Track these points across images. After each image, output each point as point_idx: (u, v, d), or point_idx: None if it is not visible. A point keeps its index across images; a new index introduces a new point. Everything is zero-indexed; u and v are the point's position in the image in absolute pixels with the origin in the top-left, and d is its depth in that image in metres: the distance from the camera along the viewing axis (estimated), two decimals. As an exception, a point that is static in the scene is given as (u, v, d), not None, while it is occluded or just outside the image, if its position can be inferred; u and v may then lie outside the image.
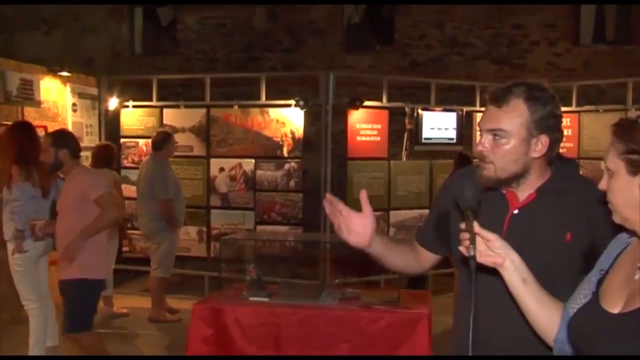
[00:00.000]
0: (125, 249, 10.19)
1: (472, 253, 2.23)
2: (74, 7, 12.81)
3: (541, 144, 2.50)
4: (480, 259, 2.25)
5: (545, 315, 2.28)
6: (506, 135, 2.49)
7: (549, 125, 2.50)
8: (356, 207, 8.15)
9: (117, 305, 8.92)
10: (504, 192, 2.56)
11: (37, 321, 6.19)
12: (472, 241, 2.24)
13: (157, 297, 8.54)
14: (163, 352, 6.95)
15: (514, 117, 2.48)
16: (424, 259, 2.95)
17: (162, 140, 8.39)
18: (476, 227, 2.26)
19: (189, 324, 5.65)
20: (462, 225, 2.30)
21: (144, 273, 10.25)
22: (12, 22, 12.91)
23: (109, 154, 8.78)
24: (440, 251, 2.90)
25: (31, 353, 6.27)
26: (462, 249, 2.28)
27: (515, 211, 2.56)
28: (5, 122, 8.24)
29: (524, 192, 2.58)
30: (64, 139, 5.84)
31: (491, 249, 2.26)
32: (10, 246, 6.24)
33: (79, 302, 5.66)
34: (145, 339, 7.85)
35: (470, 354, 2.27)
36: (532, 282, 2.27)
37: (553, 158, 2.62)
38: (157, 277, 8.50)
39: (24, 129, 6.35)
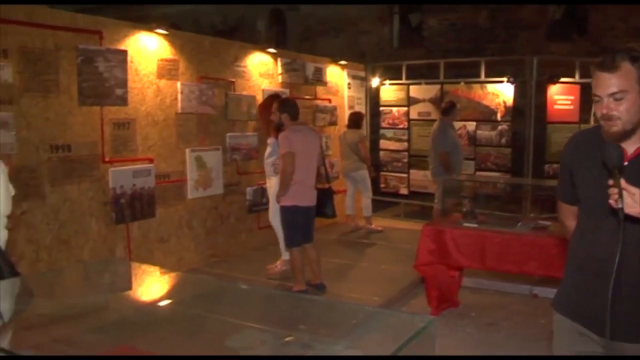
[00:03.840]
0: (382, 185, 10.25)
1: (620, 205, 1.98)
2: (354, 17, 12.93)
3: None
4: (627, 210, 1.98)
5: None
6: (625, 95, 2.13)
7: None
8: (554, 159, 7.48)
9: (375, 224, 8.91)
10: None
11: (279, 235, 6.27)
12: (620, 195, 1.98)
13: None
14: (399, 256, 6.83)
15: (626, 77, 2.12)
16: (574, 214, 2.54)
17: (449, 108, 8.02)
18: (623, 183, 1.99)
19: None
20: (610, 182, 2.01)
21: (394, 203, 10.27)
22: (315, 32, 13.25)
23: (358, 118, 8.76)
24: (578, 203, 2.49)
25: (283, 257, 6.37)
26: (611, 202, 2.01)
27: (626, 163, 2.14)
28: (305, 97, 8.49)
29: (630, 146, 2.21)
30: (285, 105, 5.79)
31: (635, 201, 1.98)
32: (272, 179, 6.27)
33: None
34: (390, 248, 7.79)
35: (610, 296, 2.02)
36: None
37: None
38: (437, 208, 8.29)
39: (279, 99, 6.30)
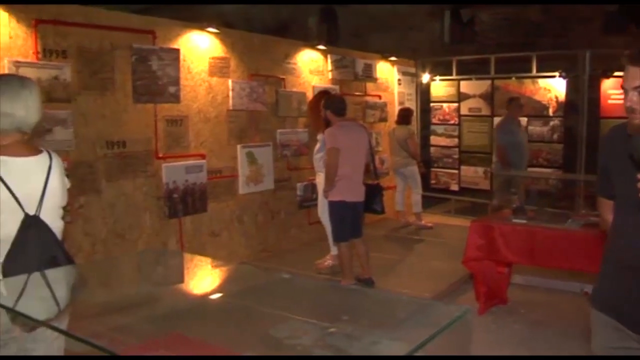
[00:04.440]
0: (432, 181, 10.19)
1: None
2: (405, 13, 12.84)
3: None
4: None
5: None
6: None
7: None
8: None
9: (425, 220, 8.87)
10: None
11: (328, 230, 6.25)
12: None
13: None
14: (449, 253, 6.76)
15: None
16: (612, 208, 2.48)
17: (508, 102, 8.07)
18: None
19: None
20: (639, 176, 1.99)
21: (444, 200, 10.20)
22: (365, 28, 13.23)
23: (407, 114, 8.72)
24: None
25: (332, 252, 6.38)
26: None
27: None
28: (355, 93, 8.52)
29: None
30: (330, 102, 5.81)
31: None
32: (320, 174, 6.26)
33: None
34: (440, 244, 7.76)
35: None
36: None
37: None
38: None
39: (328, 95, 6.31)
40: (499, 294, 5.58)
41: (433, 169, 10.23)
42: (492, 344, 4.68)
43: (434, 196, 10.16)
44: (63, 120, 4.89)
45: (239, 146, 6.61)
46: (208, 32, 6.24)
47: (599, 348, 2.45)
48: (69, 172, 4.92)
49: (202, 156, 6.18)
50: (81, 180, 5.05)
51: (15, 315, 2.17)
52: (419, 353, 1.40)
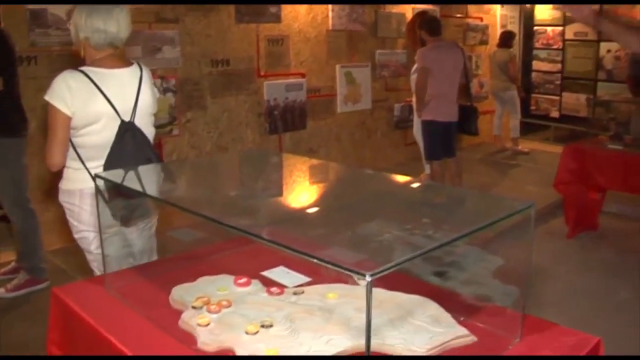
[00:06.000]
0: (532, 107, 9.83)
1: None
2: None
3: None
4: None
5: None
6: None
7: None
8: None
9: (522, 146, 8.63)
10: None
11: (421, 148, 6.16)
12: None
13: None
14: (544, 179, 6.58)
15: None
16: None
17: None
18: None
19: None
20: None
21: (544, 126, 9.82)
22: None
23: (508, 37, 8.28)
24: None
25: (426, 172, 6.27)
26: None
27: None
28: (456, 15, 8.32)
29: None
30: (424, 22, 5.61)
31: None
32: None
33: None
34: (535, 170, 7.55)
35: None
36: None
37: None
38: None
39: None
40: (590, 220, 5.40)
41: (533, 95, 9.83)
42: (577, 267, 4.59)
43: (533, 122, 9.80)
44: (171, 39, 5.05)
45: (337, 66, 6.60)
46: (309, -48, 6.18)
47: None
48: (176, 88, 5.11)
49: (302, 75, 6.23)
50: (188, 96, 5.23)
51: (122, 207, 2.33)
52: (472, 241, 1.43)
